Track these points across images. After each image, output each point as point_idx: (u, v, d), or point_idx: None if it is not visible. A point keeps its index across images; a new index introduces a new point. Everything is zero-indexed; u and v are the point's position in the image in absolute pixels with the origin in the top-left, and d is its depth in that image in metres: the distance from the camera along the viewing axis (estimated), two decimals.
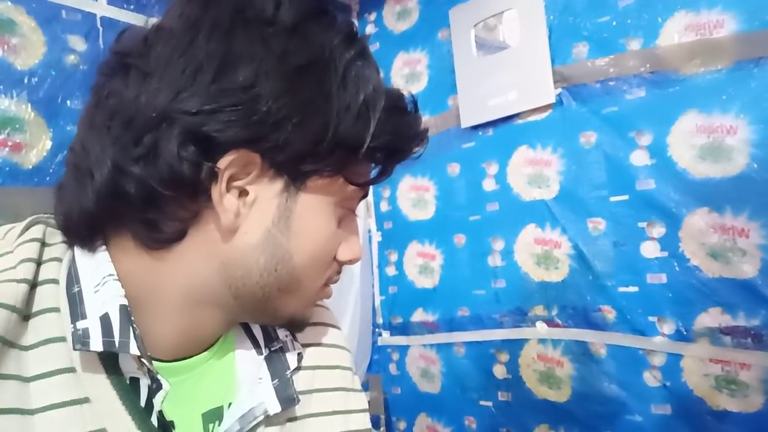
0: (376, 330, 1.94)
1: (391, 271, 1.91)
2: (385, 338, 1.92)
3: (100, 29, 1.37)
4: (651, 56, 1.29)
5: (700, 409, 1.22)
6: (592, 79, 1.39)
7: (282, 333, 0.58)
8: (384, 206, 1.93)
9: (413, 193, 1.83)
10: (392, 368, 1.89)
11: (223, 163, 0.44)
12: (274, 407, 0.52)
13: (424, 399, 1.78)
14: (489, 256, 1.62)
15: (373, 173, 0.54)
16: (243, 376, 0.54)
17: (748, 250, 1.17)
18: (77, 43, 1.33)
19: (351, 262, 0.53)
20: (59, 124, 1.28)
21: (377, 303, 1.95)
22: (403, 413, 1.84)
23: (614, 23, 1.35)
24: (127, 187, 0.43)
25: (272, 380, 0.54)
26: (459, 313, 1.69)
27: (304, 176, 0.48)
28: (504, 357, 1.59)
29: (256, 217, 0.47)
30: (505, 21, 1.49)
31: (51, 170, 1.26)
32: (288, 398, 0.53)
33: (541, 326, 1.50)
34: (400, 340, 1.87)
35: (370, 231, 1.97)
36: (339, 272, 0.54)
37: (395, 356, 1.89)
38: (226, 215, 0.46)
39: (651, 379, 1.30)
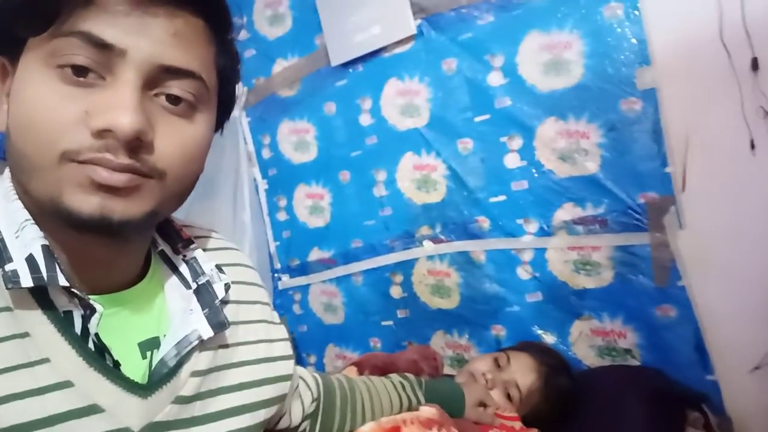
0: (276, 275, 1.99)
1: (282, 216, 1.95)
2: (285, 281, 1.98)
3: None
4: None
5: (564, 291, 1.42)
6: (447, 7, 1.48)
7: (207, 267, 0.61)
8: (266, 153, 1.94)
9: (294, 137, 1.86)
10: (296, 308, 1.96)
11: None
12: (207, 332, 0.56)
13: (330, 331, 1.88)
14: (374, 187, 1.71)
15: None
16: (174, 309, 0.58)
17: (589, 150, 1.35)
18: None
19: (109, 132, 0.45)
20: None
21: (273, 249, 1.99)
22: (312, 348, 1.93)
23: None
24: None
25: (203, 310, 0.57)
26: (353, 245, 1.78)
27: (10, 45, 0.48)
28: (398, 278, 1.71)
29: (5, 110, 0.50)
30: None
31: None
32: (219, 323, 0.57)
33: (428, 244, 1.64)
34: (300, 280, 1.94)
35: (255, 180, 1.98)
36: (107, 149, 0.45)
37: (297, 297, 1.96)
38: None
39: (524, 273, 1.48)
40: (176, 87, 0.48)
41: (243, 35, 1.90)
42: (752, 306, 1.21)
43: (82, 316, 0.49)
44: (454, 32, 1.49)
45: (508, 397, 1.15)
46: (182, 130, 0.50)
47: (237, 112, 1.93)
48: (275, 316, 0.72)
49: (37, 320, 0.47)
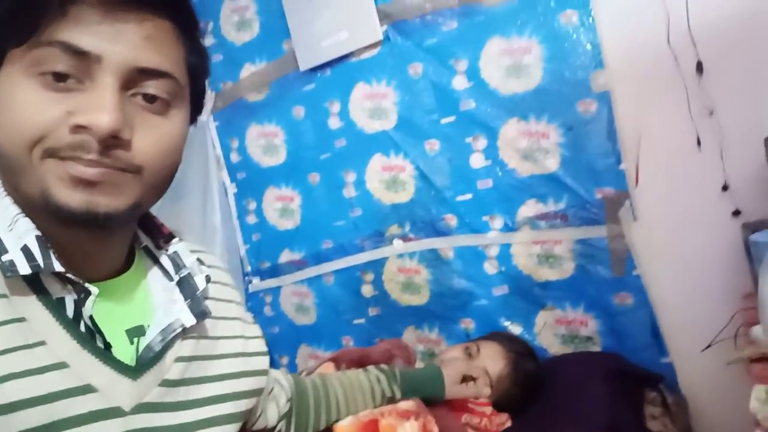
0: (246, 278, 2.00)
1: (251, 219, 1.97)
2: (256, 284, 1.99)
3: None
4: None
5: (529, 284, 1.49)
6: (412, 14, 1.54)
7: (189, 260, 0.64)
8: (234, 157, 1.96)
9: (262, 140, 1.88)
10: (267, 310, 1.98)
11: None
12: (190, 320, 0.60)
13: (301, 331, 1.90)
14: (343, 189, 1.75)
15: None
16: (158, 300, 0.61)
17: (550, 149, 1.42)
18: None
19: (88, 128, 0.48)
20: None
21: (242, 252, 2.00)
22: (284, 349, 1.95)
23: None
24: None
25: (185, 300, 0.61)
26: (323, 246, 1.81)
27: None
28: (369, 277, 1.75)
29: None
30: None
31: None
32: (201, 313, 0.61)
33: (397, 243, 1.68)
34: (270, 282, 1.96)
35: (224, 184, 1.99)
36: (82, 146, 0.48)
37: (268, 299, 1.97)
38: None
39: (490, 268, 1.55)
40: (152, 87, 0.52)
41: (210, 41, 1.91)
42: (701, 291, 1.30)
43: (75, 301, 0.52)
44: (420, 38, 1.55)
45: None
46: (158, 127, 0.53)
47: (205, 117, 1.94)
48: (248, 316, 0.76)
49: (32, 306, 0.50)
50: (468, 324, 1.59)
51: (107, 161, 0.49)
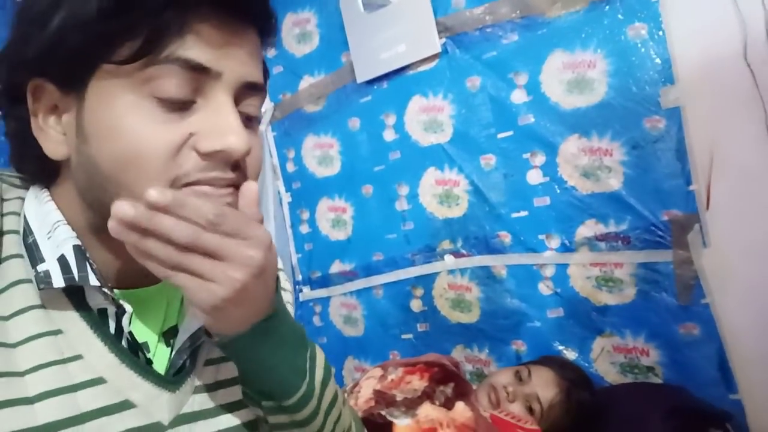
0: (297, 287, 2.01)
1: (304, 228, 1.98)
2: (306, 293, 2.00)
3: None
4: (520, 2, 1.43)
5: (586, 307, 1.42)
6: (472, 27, 1.51)
7: None
8: (290, 167, 1.98)
9: (318, 151, 1.89)
10: (316, 320, 1.98)
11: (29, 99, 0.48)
12: None
13: (349, 343, 1.89)
14: (396, 201, 1.74)
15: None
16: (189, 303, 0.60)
17: (612, 167, 1.36)
18: None
19: (221, 153, 0.47)
20: None
21: (294, 261, 2.02)
22: (331, 360, 1.90)
23: None
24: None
25: None
26: (374, 258, 1.80)
27: (78, 71, 0.46)
28: (419, 292, 1.72)
29: (63, 138, 0.49)
30: None
31: None
32: None
33: (449, 259, 1.65)
34: (320, 292, 1.96)
35: (279, 193, 2.01)
36: (215, 168, 0.47)
37: (318, 308, 1.98)
38: (49, 146, 0.48)
39: (545, 288, 1.49)
40: (250, 104, 0.51)
41: (271, 52, 1.96)
42: None
43: (116, 314, 0.50)
44: (479, 51, 1.52)
45: (530, 410, 1.16)
46: (253, 142, 0.51)
47: (263, 127, 1.98)
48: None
49: (69, 317, 0.49)
50: (520, 346, 1.53)
51: (238, 179, 0.49)
